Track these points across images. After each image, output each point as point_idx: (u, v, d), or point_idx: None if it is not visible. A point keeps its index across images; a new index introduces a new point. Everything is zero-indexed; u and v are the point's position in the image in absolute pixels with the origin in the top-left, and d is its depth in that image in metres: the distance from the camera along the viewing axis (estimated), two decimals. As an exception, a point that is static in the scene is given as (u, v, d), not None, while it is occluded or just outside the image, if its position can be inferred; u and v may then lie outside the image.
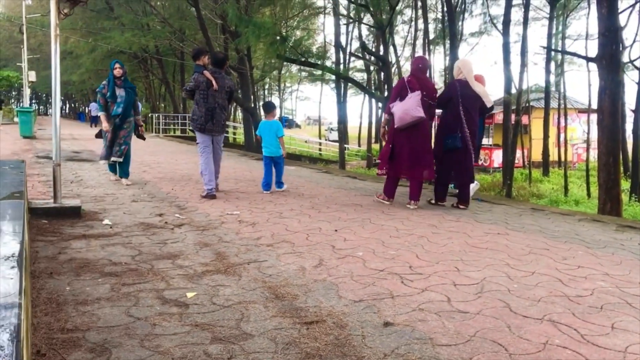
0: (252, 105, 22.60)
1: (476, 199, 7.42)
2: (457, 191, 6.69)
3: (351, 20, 24.39)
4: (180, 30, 25.03)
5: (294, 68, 40.70)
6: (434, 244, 4.42)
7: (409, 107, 6.06)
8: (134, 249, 4.04)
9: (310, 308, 2.86)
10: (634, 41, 19.18)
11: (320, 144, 35.38)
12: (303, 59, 16.02)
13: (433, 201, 6.76)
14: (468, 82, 6.31)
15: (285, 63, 27.35)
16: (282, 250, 4.08)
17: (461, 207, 6.45)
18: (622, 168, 19.77)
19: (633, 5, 19.63)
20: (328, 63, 27.15)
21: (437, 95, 6.56)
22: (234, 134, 32.24)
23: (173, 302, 2.90)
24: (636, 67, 16.76)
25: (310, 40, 33.78)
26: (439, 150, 6.44)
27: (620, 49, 20.05)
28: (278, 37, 14.48)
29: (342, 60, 28.53)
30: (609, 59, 9.36)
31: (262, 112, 8.36)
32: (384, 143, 6.95)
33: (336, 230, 4.85)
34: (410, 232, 4.85)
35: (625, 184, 17.10)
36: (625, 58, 18.63)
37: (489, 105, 6.53)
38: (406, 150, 6.23)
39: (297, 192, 7.43)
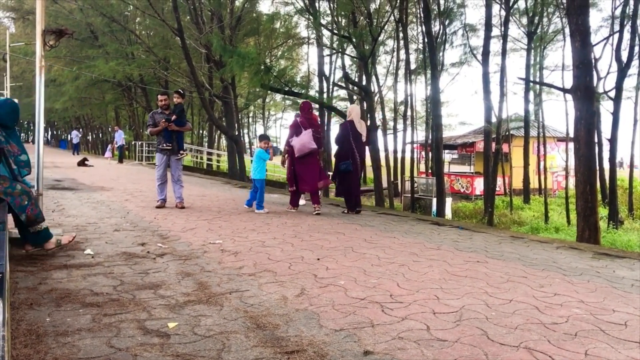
0: (237, 133, 22.68)
1: (457, 227, 7.54)
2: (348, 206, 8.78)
3: (334, 51, 24.82)
4: (165, 59, 25.23)
5: (279, 96, 41.06)
6: (414, 272, 4.48)
7: (305, 142, 8.22)
8: (116, 278, 4.04)
9: (291, 337, 2.89)
10: (608, 72, 19.81)
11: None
12: (287, 88, 16.23)
13: (345, 211, 8.73)
14: (355, 122, 8.45)
15: (269, 92, 27.61)
16: (264, 280, 4.11)
17: (350, 212, 8.58)
18: (600, 195, 20.18)
19: (607, 38, 20.35)
20: (312, 92, 27.51)
21: (320, 130, 8.82)
22: (218, 161, 32.25)
23: (154, 333, 2.91)
24: (610, 98, 17.27)
25: (294, 70, 34.23)
26: (336, 173, 8.60)
27: (596, 79, 20.72)
28: (262, 67, 14.67)
29: (325, 90, 28.91)
30: (584, 90, 9.66)
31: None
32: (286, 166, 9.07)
33: (318, 259, 4.89)
34: (392, 261, 4.91)
35: (604, 211, 17.42)
36: (600, 89, 19.22)
37: (364, 140, 8.63)
38: (305, 172, 8.39)
39: (280, 221, 7.47)
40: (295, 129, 8.44)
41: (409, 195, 19.29)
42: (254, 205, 8.64)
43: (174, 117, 8.63)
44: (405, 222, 7.97)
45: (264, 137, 9.26)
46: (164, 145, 8.65)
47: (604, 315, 3.38)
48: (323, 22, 27.37)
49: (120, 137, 26.93)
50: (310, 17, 17.21)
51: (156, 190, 8.87)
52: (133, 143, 31.22)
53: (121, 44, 26.05)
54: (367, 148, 10.68)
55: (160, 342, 2.78)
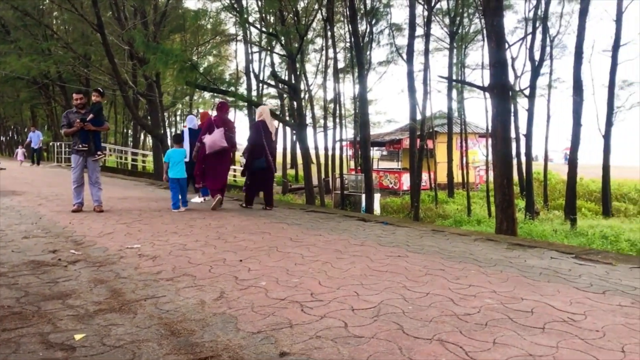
0: (162, 132, 22.02)
1: (382, 222, 7.67)
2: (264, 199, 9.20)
3: (262, 49, 24.65)
4: (85, 56, 24.05)
5: (207, 94, 40.30)
6: (337, 269, 4.50)
7: (216, 139, 8.50)
8: (20, 290, 3.78)
9: (206, 343, 2.81)
10: (523, 72, 20.91)
11: (235, 170, 35.02)
12: (214, 86, 15.93)
13: (244, 205, 9.14)
14: (266, 122, 8.86)
15: (197, 89, 27.00)
16: (182, 284, 3.98)
17: (267, 208, 8.96)
18: (518, 188, 21.27)
19: (522, 39, 21.44)
20: (242, 89, 27.20)
21: (235, 130, 9.12)
22: (144, 162, 31.22)
23: (58, 346, 2.74)
24: (525, 96, 18.20)
25: (222, 67, 33.70)
26: (248, 170, 9.01)
27: (514, 78, 21.80)
28: (187, 64, 14.31)
29: (255, 87, 28.66)
30: (500, 88, 10.09)
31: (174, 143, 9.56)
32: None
33: (241, 261, 4.81)
34: (316, 259, 4.91)
35: (522, 203, 18.38)
36: (517, 87, 20.25)
37: (274, 138, 9.07)
38: (214, 169, 8.69)
39: (204, 223, 7.31)
40: (209, 127, 8.69)
41: (340, 192, 19.49)
42: (180, 204, 8.81)
43: (90, 117, 8.23)
44: (332, 220, 8.02)
45: (179, 139, 9.32)
46: (80, 146, 8.24)
47: (513, 304, 3.53)
48: (251, 19, 27.15)
49: (37, 138, 25.41)
50: (237, 14, 16.98)
51: (72, 194, 8.43)
52: (52, 144, 29.58)
53: (36, 39, 24.58)
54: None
55: (64, 355, 2.62)
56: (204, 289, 3.87)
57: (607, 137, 18.13)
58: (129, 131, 39.13)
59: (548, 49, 20.00)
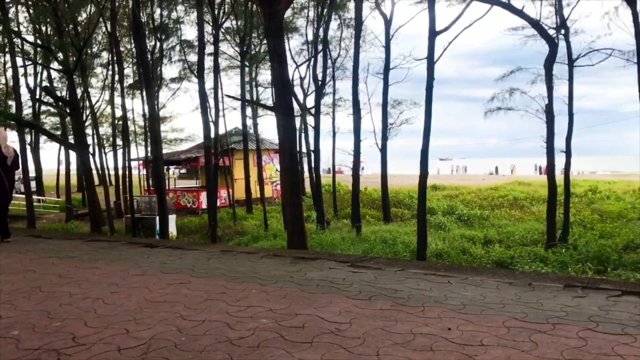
0: None
1: (170, 247, 7.37)
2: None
3: (36, 62, 22.19)
4: None
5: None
6: (110, 305, 4.14)
7: None
8: None
9: None
10: (311, 91, 22.29)
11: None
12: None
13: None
14: (1, 147, 8.39)
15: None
16: None
17: (6, 240, 8.17)
18: (312, 200, 22.49)
19: (308, 60, 22.86)
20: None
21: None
22: None
23: None
24: (311, 114, 19.40)
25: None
26: None
27: (303, 96, 23.11)
28: None
29: (31, 105, 25.60)
30: (284, 107, 10.52)
31: None
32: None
33: (-9, 308, 4.13)
34: (86, 295, 4.46)
35: (314, 215, 19.46)
36: (308, 104, 21.48)
37: (10, 163, 8.52)
38: None
39: (-48, 264, 6.17)
40: None
41: (130, 215, 18.37)
42: None
43: None
44: (115, 248, 7.43)
45: None
46: None
47: (287, 321, 3.62)
48: (22, 28, 24.32)
49: None
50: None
51: None
52: None
53: None
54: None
55: None
56: None
57: (383, 150, 20.21)
58: None
59: (330, 70, 21.64)
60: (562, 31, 14.62)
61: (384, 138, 20.08)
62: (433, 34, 12.66)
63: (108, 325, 3.61)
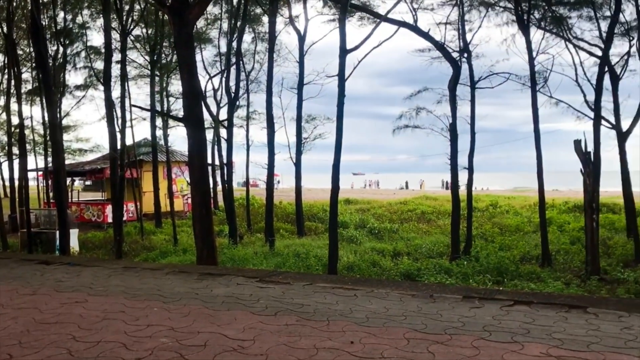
0: None
1: (68, 263, 6.93)
2: None
3: None
4: None
5: None
6: (-8, 329, 3.80)
7: None
8: None
9: None
10: (225, 103, 22.02)
11: None
12: None
13: None
14: None
15: None
16: None
17: None
18: (225, 214, 22.07)
19: (221, 72, 22.61)
20: None
21: None
22: None
23: None
24: (224, 126, 19.16)
25: None
26: None
27: (217, 108, 22.77)
28: None
29: None
30: (195, 119, 10.30)
31: None
32: None
33: None
34: (-34, 319, 4.07)
35: (226, 229, 19.12)
36: (222, 116, 21.18)
37: None
38: None
39: None
40: None
41: (26, 230, 17.10)
42: None
43: None
44: (4, 266, 6.86)
45: None
46: None
47: (189, 339, 3.50)
48: None
49: None
50: None
51: None
52: None
53: None
54: None
55: None
56: None
57: (298, 164, 20.33)
58: None
59: (244, 83, 21.52)
60: (465, 54, 15.55)
61: (298, 152, 20.21)
62: (344, 52, 12.99)
63: (-12, 351, 3.32)
